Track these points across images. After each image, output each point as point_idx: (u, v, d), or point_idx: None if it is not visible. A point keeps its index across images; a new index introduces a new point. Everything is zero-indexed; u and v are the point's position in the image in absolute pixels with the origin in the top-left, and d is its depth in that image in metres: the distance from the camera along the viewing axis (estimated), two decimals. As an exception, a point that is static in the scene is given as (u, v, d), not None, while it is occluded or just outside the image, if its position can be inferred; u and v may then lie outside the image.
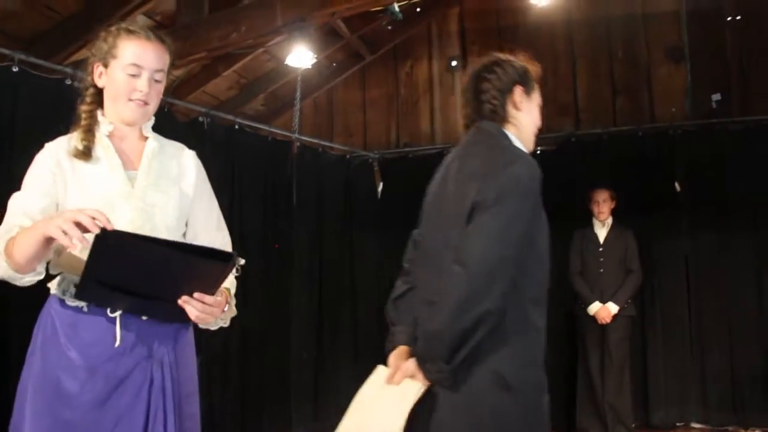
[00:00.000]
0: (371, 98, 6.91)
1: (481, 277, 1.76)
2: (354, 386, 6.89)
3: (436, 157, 6.37)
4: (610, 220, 5.27)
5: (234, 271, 1.86)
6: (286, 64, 5.38)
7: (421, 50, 6.85)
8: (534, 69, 2.14)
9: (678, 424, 5.54)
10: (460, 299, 1.76)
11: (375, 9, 5.35)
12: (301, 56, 4.96)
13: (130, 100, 1.93)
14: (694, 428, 5.57)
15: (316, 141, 6.29)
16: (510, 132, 2.03)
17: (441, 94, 6.74)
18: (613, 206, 5.26)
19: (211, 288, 1.85)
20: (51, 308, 1.87)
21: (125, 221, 1.84)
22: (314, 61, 5.18)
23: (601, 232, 5.29)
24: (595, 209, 5.28)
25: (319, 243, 5.94)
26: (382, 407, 1.95)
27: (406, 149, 6.61)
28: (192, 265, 1.78)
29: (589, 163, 5.93)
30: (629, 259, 5.19)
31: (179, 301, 1.82)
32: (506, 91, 2.04)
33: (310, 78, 6.37)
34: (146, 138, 2.03)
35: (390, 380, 1.94)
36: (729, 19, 6.23)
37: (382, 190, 6.52)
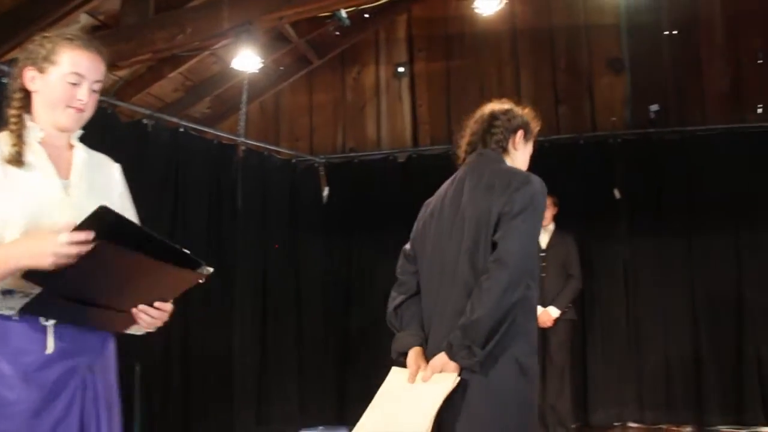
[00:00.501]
0: (318, 103, 6.89)
1: (517, 271, 2.09)
2: (298, 391, 6.86)
3: (382, 162, 6.43)
4: (551, 226, 5.38)
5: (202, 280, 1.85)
6: (233, 67, 5.34)
7: (369, 56, 6.87)
8: (535, 125, 2.56)
9: (616, 423, 5.69)
10: (501, 289, 2.07)
11: (323, 14, 5.36)
12: (247, 60, 4.93)
13: (69, 106, 1.91)
14: (630, 427, 5.73)
15: (262, 145, 6.26)
16: (507, 161, 2.43)
17: (388, 100, 6.78)
18: (554, 212, 5.37)
19: (173, 295, 1.85)
20: None
21: None
22: (261, 65, 5.15)
23: (543, 238, 5.38)
24: (538, 215, 5.37)
25: (263, 247, 5.91)
26: (408, 402, 2.15)
27: (352, 154, 6.63)
28: (164, 273, 1.77)
29: (531, 169, 6.03)
30: (570, 264, 5.30)
31: (134, 310, 1.81)
32: (511, 131, 2.45)
33: (257, 81, 6.32)
34: (72, 147, 2.01)
35: (413, 378, 2.19)
36: (666, 33, 6.44)
37: (328, 194, 6.51)
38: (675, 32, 6.42)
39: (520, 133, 2.47)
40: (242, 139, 5.87)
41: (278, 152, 6.44)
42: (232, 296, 5.49)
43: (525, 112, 2.53)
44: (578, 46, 6.57)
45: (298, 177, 6.42)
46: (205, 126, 5.89)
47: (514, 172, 2.31)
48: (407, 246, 2.50)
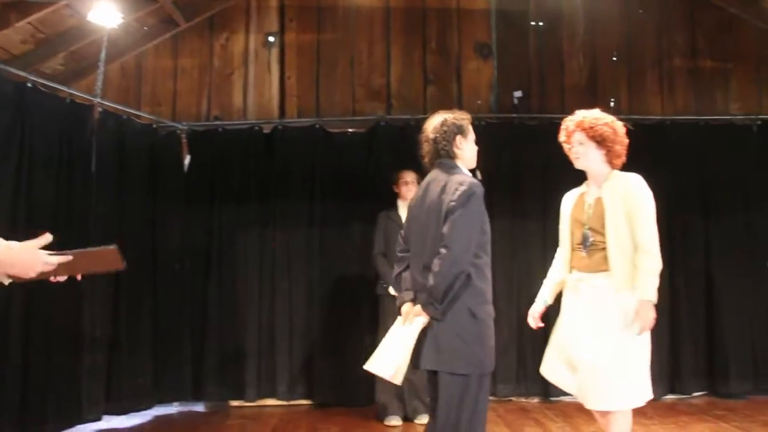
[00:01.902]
0: (183, 67, 6.59)
1: (458, 252, 2.98)
2: (152, 366, 6.57)
3: (247, 132, 6.27)
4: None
5: None
6: (92, 22, 5.01)
7: (239, 23, 6.65)
8: (466, 120, 3.30)
9: (469, 398, 5.88)
10: (447, 265, 2.98)
11: (191, -25, 5.12)
12: (106, 14, 4.64)
13: None
14: (482, 402, 5.95)
15: (120, 107, 5.93)
16: (458, 162, 3.24)
17: (256, 69, 6.59)
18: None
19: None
20: None
21: None
22: (121, 21, 4.86)
23: (405, 214, 5.44)
24: (404, 189, 5.44)
25: (119, 215, 5.61)
26: (398, 336, 3.15)
27: (217, 123, 6.40)
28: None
29: (397, 147, 6.11)
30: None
31: None
32: (451, 140, 3.22)
33: (118, 40, 5.98)
34: None
35: (406, 320, 3.17)
36: (533, 23, 6.68)
37: (189, 163, 6.27)
38: (541, 24, 6.67)
39: (458, 138, 3.23)
40: (99, 100, 5.53)
41: (138, 116, 6.13)
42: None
43: (455, 117, 3.26)
44: (449, 28, 6.69)
45: (158, 143, 6.14)
46: (59, 83, 5.49)
47: (458, 179, 3.11)
48: (402, 232, 3.41)
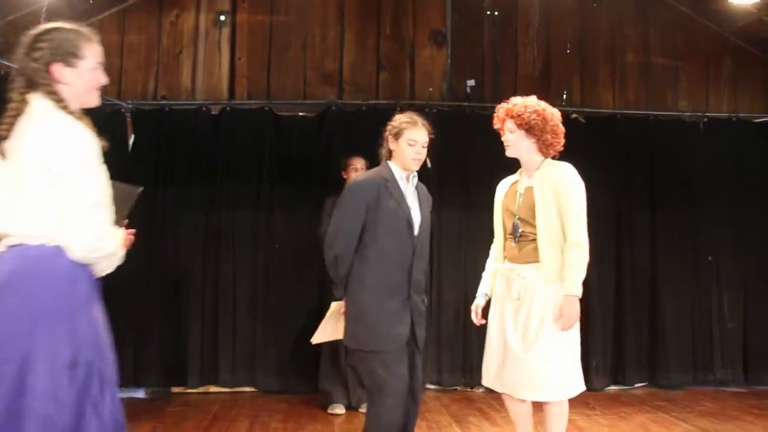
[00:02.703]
0: (130, 44, 6.38)
1: (329, 240, 3.33)
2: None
3: (195, 113, 6.12)
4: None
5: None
6: (30, -8, 4.79)
7: (189, 0, 6.47)
8: (407, 119, 3.40)
9: (414, 386, 5.87)
10: (325, 251, 3.35)
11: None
12: (46, -16, 4.43)
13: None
14: (429, 389, 5.94)
15: (61, 83, 5.70)
16: (392, 161, 3.40)
17: (206, 48, 6.42)
18: (366, 175, 5.38)
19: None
20: None
21: None
22: (61, -10, 4.65)
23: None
24: (353, 175, 5.36)
25: (57, 195, 5.41)
26: None
27: (164, 102, 6.22)
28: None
29: (347, 132, 6.04)
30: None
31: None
32: (385, 141, 3.43)
33: (61, 13, 5.72)
34: None
35: None
36: (488, 12, 6.66)
37: (134, 142, 6.08)
38: (496, 13, 6.66)
39: (390, 139, 3.39)
40: (38, 74, 5.30)
41: (81, 93, 5.90)
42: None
43: (398, 119, 3.41)
44: (404, 15, 6.62)
45: (101, 121, 5.88)
46: (-6, 55, 5.26)
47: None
48: None
